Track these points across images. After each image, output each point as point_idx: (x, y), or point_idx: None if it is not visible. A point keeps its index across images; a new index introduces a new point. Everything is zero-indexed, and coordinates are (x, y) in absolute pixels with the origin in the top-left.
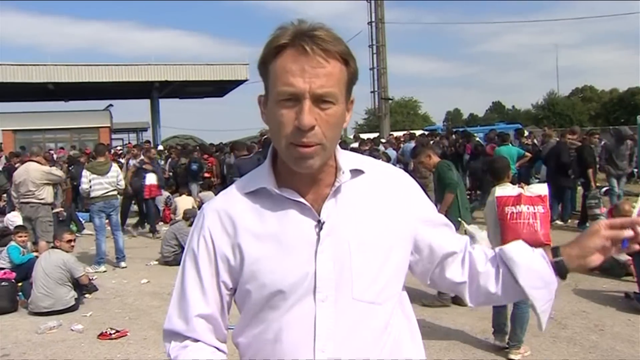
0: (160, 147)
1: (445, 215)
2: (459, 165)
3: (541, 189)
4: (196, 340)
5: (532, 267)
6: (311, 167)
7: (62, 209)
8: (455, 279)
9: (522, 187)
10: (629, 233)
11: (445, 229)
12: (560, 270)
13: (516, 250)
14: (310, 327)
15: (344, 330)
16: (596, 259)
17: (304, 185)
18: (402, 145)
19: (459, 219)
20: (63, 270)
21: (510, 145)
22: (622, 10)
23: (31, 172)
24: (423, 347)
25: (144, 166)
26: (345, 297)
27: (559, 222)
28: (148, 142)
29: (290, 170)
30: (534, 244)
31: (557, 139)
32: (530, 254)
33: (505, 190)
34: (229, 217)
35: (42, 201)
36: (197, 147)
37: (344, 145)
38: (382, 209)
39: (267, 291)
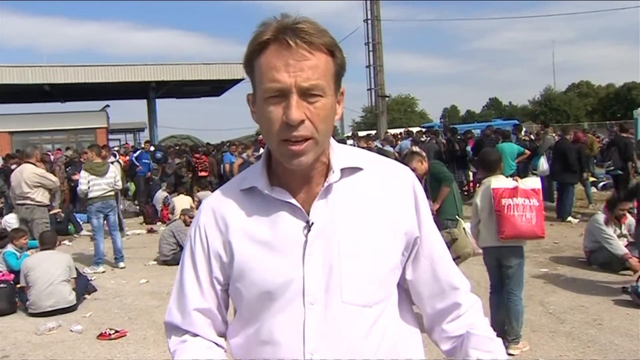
0: (151, 148)
1: (441, 211)
2: (454, 162)
3: (534, 182)
4: (194, 335)
5: None
6: (303, 163)
7: (59, 210)
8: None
9: (517, 180)
10: None
11: (443, 246)
12: None
13: (473, 348)
14: (300, 330)
15: (334, 333)
16: None
17: (296, 184)
18: (399, 142)
19: (457, 217)
20: (68, 270)
21: (511, 142)
22: (617, 6)
23: (24, 173)
24: (423, 346)
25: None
26: (334, 300)
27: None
28: (148, 142)
29: (283, 168)
30: (531, 236)
31: (554, 135)
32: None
33: (500, 182)
34: (222, 214)
35: (37, 203)
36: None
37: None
38: (377, 208)
39: (255, 291)
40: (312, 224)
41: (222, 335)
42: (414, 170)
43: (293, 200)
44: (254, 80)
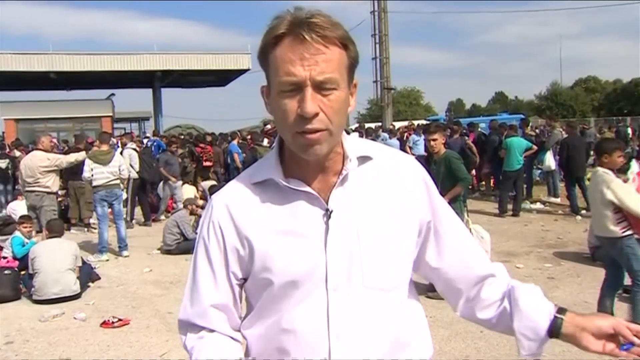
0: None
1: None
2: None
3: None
4: (211, 331)
5: (531, 317)
6: (318, 153)
7: (62, 199)
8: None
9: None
10: (636, 341)
11: (463, 228)
12: (552, 328)
13: (526, 294)
14: (324, 316)
15: (358, 317)
16: (591, 342)
17: (311, 174)
18: (410, 136)
19: (466, 217)
20: (74, 258)
21: (519, 136)
22: (625, 0)
23: (36, 159)
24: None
25: None
26: (356, 285)
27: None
28: (154, 131)
29: (297, 159)
30: None
31: (561, 130)
32: (535, 304)
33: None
34: (237, 208)
35: (47, 190)
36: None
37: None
38: (390, 195)
39: (278, 282)
40: (332, 211)
41: (237, 329)
42: (434, 140)
43: (310, 190)
44: (268, 73)
